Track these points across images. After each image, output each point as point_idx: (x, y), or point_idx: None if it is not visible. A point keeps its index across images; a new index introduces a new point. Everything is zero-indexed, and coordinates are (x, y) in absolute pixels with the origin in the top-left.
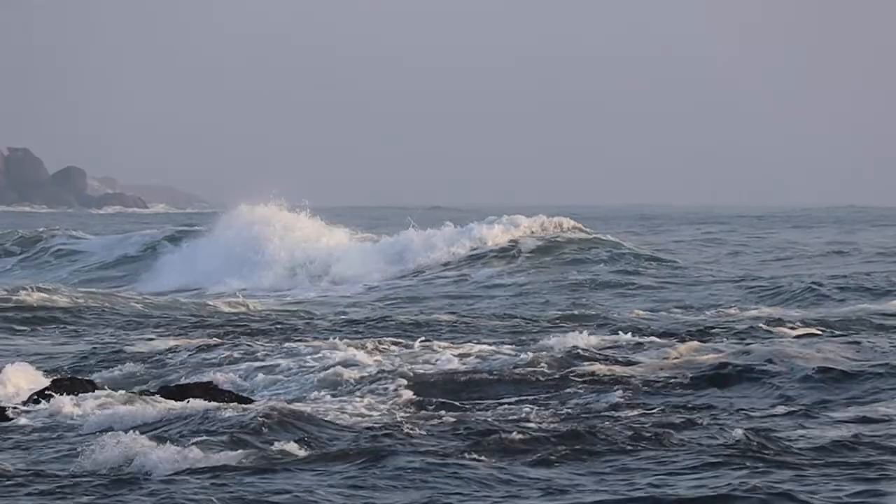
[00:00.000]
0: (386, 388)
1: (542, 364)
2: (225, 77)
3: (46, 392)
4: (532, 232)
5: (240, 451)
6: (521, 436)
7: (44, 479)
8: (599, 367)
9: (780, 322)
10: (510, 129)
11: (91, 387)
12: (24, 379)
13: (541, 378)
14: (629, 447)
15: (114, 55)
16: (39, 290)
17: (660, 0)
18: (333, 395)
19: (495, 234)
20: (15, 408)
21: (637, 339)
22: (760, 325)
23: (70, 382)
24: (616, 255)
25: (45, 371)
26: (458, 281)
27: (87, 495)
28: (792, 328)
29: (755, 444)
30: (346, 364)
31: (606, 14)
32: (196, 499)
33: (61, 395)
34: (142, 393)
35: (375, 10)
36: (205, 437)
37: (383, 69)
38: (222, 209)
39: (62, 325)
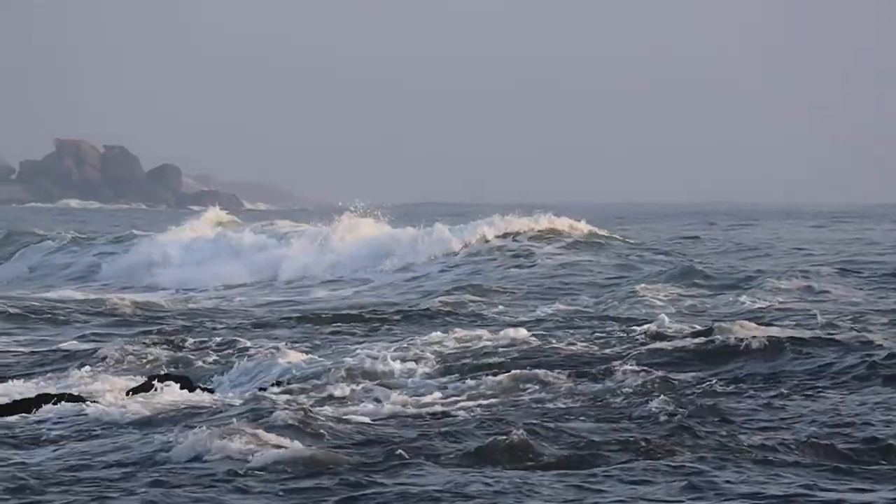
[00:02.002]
0: None
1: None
2: (225, 76)
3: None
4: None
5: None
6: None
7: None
8: None
9: None
10: (508, 129)
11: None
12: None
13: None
14: None
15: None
16: None
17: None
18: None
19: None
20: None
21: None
22: None
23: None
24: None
25: None
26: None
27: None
28: None
29: None
30: None
31: (608, 14)
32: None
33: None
34: None
35: (375, 10)
36: None
37: (383, 69)
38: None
39: None
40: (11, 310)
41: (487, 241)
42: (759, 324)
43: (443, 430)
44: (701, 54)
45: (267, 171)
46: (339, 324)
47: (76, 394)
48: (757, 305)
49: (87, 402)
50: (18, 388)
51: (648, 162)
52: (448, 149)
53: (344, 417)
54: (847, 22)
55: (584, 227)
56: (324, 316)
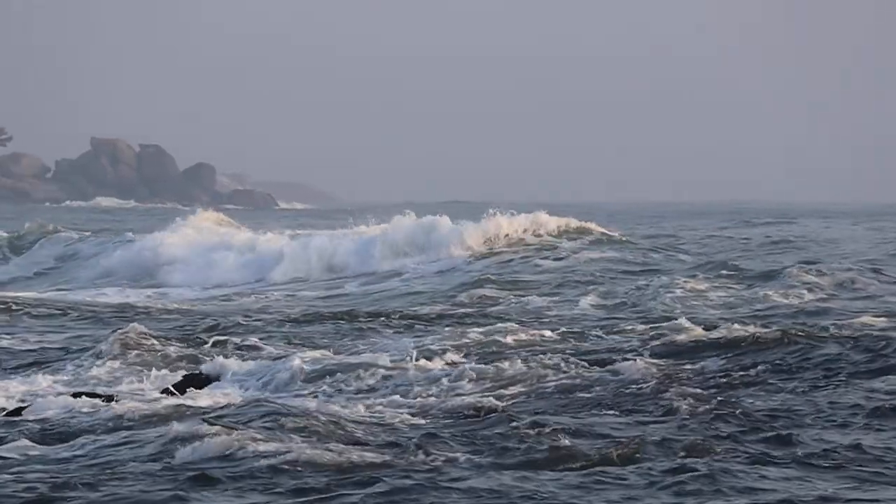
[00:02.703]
0: None
1: None
2: (226, 76)
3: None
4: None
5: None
6: None
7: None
8: None
9: None
10: (508, 129)
11: None
12: None
13: None
14: None
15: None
16: None
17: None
18: None
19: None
20: None
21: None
22: None
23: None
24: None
25: None
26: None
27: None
28: None
29: None
30: None
31: (608, 14)
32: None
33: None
34: None
35: (375, 10)
36: None
37: (383, 68)
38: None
39: None
40: (34, 308)
41: (508, 236)
42: (792, 320)
43: (466, 426)
44: (701, 54)
45: (293, 170)
46: (365, 319)
47: (101, 392)
48: (789, 301)
49: (115, 400)
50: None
51: (648, 162)
52: (448, 149)
53: (366, 415)
54: (847, 22)
55: (605, 229)
56: (352, 312)
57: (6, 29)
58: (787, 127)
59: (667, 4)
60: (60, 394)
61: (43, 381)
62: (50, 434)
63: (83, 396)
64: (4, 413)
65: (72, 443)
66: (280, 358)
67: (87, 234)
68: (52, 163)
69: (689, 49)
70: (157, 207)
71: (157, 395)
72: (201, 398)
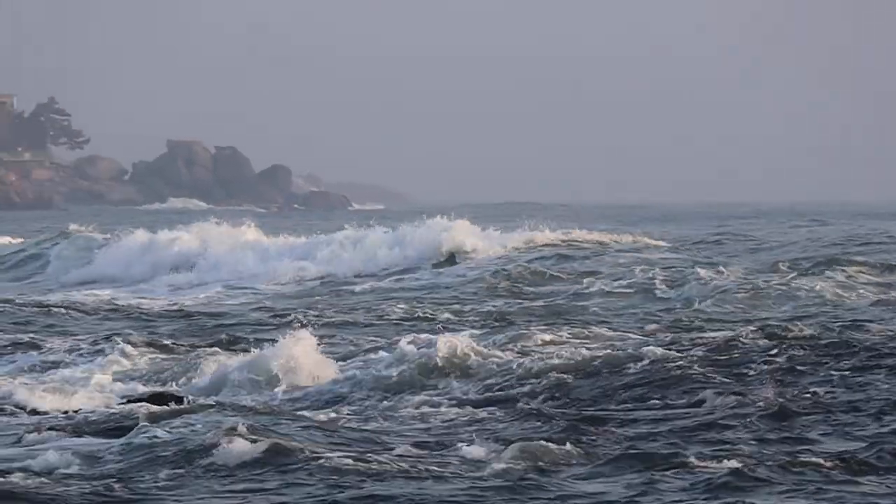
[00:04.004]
0: None
1: None
2: (226, 74)
3: None
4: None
5: None
6: None
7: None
8: None
9: None
10: (508, 129)
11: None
12: None
13: None
14: None
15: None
16: None
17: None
18: None
19: None
20: None
21: None
22: None
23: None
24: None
25: None
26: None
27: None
28: None
29: None
30: None
31: (608, 14)
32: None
33: None
34: None
35: (375, 10)
36: None
37: (383, 68)
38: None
39: None
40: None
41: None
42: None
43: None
44: (701, 54)
45: (376, 171)
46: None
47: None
48: (844, 297)
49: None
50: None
51: (648, 162)
52: (448, 149)
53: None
54: (847, 22)
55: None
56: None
57: (89, 31)
58: (787, 127)
59: (667, 4)
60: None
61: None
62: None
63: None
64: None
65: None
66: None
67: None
68: (129, 165)
69: (689, 49)
70: (233, 210)
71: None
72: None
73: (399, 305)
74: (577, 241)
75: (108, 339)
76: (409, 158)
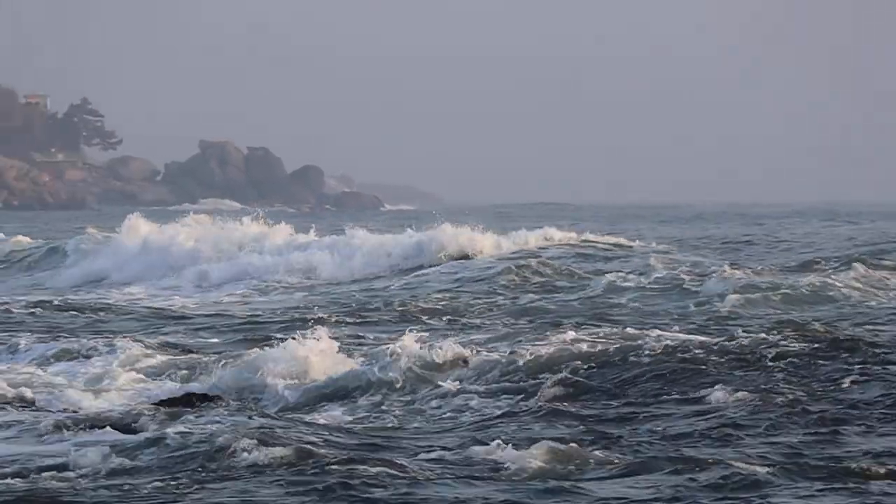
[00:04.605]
0: None
1: None
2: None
3: None
4: None
5: None
6: None
7: None
8: None
9: None
10: (509, 129)
11: None
12: None
13: None
14: None
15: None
16: None
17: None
18: None
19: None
20: None
21: None
22: None
23: None
24: None
25: None
26: None
27: None
28: None
29: None
30: None
31: (608, 14)
32: None
33: None
34: None
35: (375, 10)
36: None
37: (383, 68)
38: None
39: None
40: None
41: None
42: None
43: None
44: (701, 54)
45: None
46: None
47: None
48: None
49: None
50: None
51: (648, 162)
52: (448, 148)
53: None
54: (847, 22)
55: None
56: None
57: (122, 33)
58: (787, 127)
59: (667, 4)
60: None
61: None
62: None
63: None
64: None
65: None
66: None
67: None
68: (162, 165)
69: (689, 49)
70: (265, 210)
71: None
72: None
73: (433, 298)
74: (618, 244)
75: (134, 338)
76: (439, 159)
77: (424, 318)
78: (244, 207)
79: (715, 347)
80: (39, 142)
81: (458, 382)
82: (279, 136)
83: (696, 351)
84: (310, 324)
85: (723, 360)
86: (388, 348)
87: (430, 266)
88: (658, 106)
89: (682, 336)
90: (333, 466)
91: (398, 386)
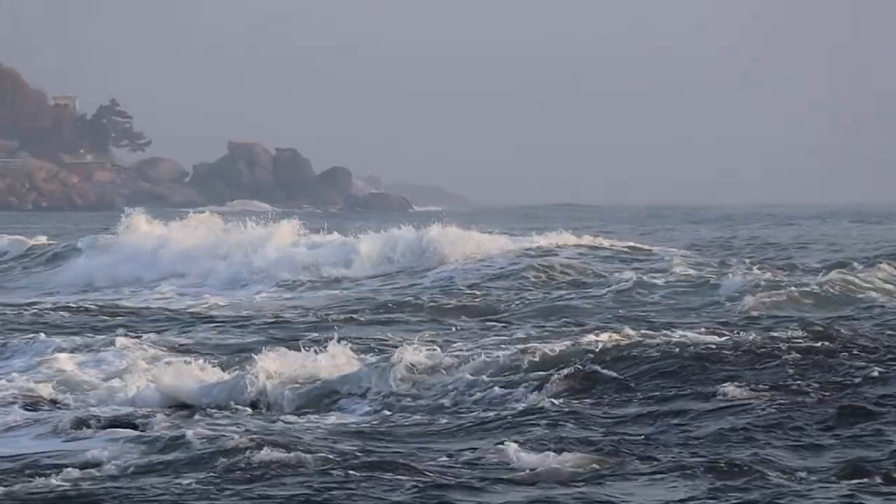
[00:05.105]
0: None
1: None
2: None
3: None
4: None
5: None
6: None
7: None
8: None
9: None
10: (508, 128)
11: None
12: None
13: None
14: None
15: None
16: None
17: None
18: None
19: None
20: None
21: None
22: None
23: None
24: None
25: None
26: None
27: None
28: None
29: None
30: None
31: (608, 14)
32: None
33: None
34: None
35: (376, 8)
36: None
37: (383, 66)
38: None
39: None
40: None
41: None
42: None
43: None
44: (701, 54)
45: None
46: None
47: None
48: None
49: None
50: None
51: (648, 162)
52: (448, 147)
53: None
54: (847, 22)
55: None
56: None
57: (147, 33)
58: (788, 127)
59: (667, 4)
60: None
61: None
62: None
63: None
64: None
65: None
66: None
67: None
68: (190, 167)
69: (689, 49)
70: (293, 211)
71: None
72: None
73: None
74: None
75: (154, 338)
76: (464, 160)
77: (452, 316)
78: (274, 209)
79: (741, 346)
80: (68, 143)
81: (476, 381)
82: (306, 137)
83: (721, 350)
84: (335, 324)
85: (747, 358)
86: (404, 348)
87: (446, 264)
88: (658, 106)
89: (706, 335)
90: (352, 472)
91: (415, 387)
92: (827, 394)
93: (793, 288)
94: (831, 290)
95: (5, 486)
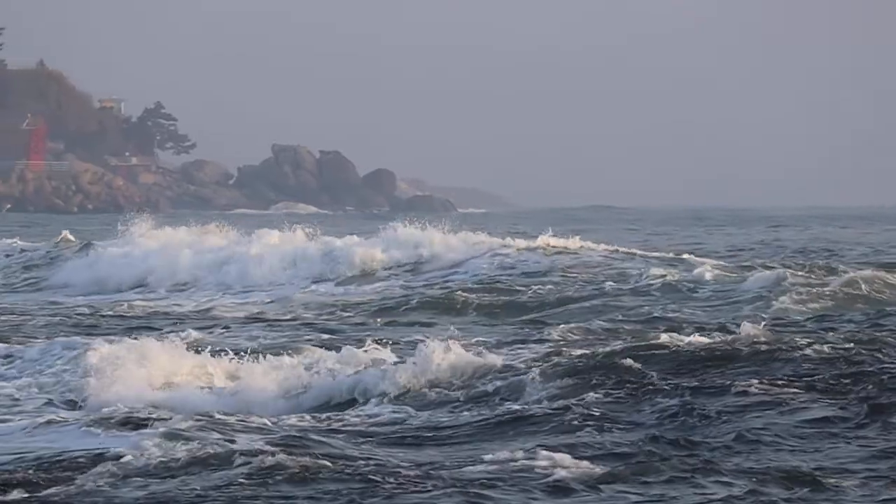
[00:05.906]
0: None
1: None
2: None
3: None
4: None
5: None
6: None
7: None
8: None
9: None
10: (509, 128)
11: None
12: None
13: None
14: None
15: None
16: None
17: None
18: None
19: None
20: None
21: None
22: None
23: None
24: None
25: None
26: None
27: None
28: None
29: None
30: None
31: (608, 14)
32: None
33: None
34: None
35: (416, 10)
36: None
37: (383, 52)
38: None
39: None
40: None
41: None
42: None
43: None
44: (700, 54)
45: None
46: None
47: None
48: None
49: None
50: None
51: (648, 162)
52: (488, 150)
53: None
54: (848, 22)
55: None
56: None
57: (192, 35)
58: (788, 127)
59: (667, 4)
60: None
61: None
62: None
63: None
64: None
65: None
66: None
67: None
68: (235, 169)
69: (688, 48)
70: (337, 214)
71: None
72: None
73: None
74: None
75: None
76: (502, 160)
77: (472, 312)
78: (319, 211)
79: (775, 346)
80: (114, 146)
81: (499, 384)
82: (349, 139)
83: (756, 349)
84: (354, 322)
85: (783, 358)
86: (423, 349)
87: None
88: (657, 105)
89: (741, 336)
90: (372, 476)
91: (435, 389)
92: (868, 394)
93: (831, 287)
94: (867, 289)
95: (30, 482)
